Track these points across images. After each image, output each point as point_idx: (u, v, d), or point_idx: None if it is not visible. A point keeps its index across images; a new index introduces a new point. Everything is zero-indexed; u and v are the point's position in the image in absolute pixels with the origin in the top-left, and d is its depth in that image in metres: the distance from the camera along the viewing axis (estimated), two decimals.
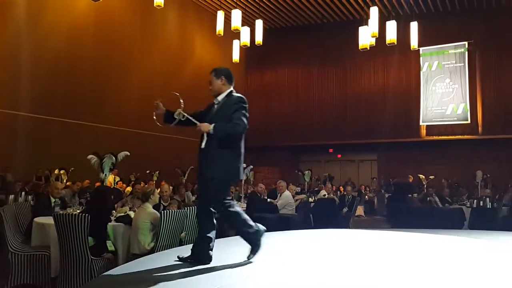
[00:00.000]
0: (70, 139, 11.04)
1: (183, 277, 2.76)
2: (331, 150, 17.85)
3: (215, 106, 3.28)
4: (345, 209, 8.46)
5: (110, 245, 4.00)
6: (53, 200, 5.07)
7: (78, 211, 4.30)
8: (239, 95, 3.26)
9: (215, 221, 3.19)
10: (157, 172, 10.45)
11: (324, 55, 17.52)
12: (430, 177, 9.91)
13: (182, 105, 3.21)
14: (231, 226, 3.33)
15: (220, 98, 3.29)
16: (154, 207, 4.48)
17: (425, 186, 9.40)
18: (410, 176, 12.90)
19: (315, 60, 17.73)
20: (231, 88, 3.32)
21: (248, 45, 11.67)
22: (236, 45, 12.84)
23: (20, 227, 4.69)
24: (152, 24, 14.24)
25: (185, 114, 3.20)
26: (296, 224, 6.53)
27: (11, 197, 6.97)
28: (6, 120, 10.04)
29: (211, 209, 3.13)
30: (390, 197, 12.15)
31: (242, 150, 3.18)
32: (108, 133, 11.96)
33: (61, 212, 4.21)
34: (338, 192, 11.04)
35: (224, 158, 3.06)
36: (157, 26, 14.47)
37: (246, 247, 4.27)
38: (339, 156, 18.06)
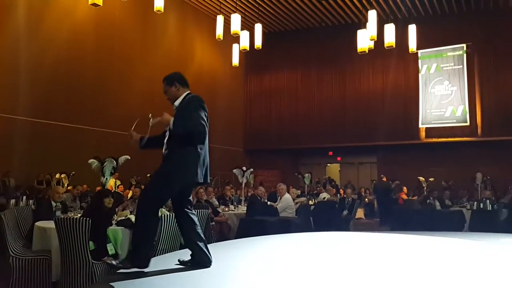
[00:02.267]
0: (71, 143, 11.07)
1: (184, 281, 2.77)
2: (330, 153, 17.88)
3: (175, 112, 3.15)
4: (345, 212, 8.47)
5: (111, 249, 4.00)
6: (54, 204, 5.08)
7: (79, 215, 4.32)
8: (195, 95, 3.18)
9: (194, 218, 3.05)
10: None
11: (323, 59, 17.59)
12: (430, 179, 9.92)
13: (151, 123, 3.09)
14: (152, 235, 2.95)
15: (177, 103, 3.20)
16: None
17: (424, 188, 9.42)
18: (383, 176, 12.94)
19: (314, 64, 17.80)
20: (188, 91, 3.24)
21: (248, 49, 11.73)
22: (235, 49, 12.90)
23: (21, 232, 4.70)
24: (152, 29, 14.30)
25: (151, 120, 3.11)
26: (296, 227, 6.53)
27: (12, 201, 6.98)
28: (7, 125, 10.06)
29: (186, 210, 3.02)
30: (376, 199, 12.24)
31: (204, 152, 3.02)
32: (108, 137, 11.98)
33: (62, 216, 4.22)
34: (338, 195, 11.05)
35: (181, 158, 2.90)
36: (157, 30, 14.53)
37: (247, 250, 4.29)
38: (338, 159, 18.09)
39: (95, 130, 11.89)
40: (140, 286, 2.62)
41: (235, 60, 13.08)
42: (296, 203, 7.91)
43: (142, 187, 8.70)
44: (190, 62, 15.88)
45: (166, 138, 3.08)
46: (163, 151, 3.06)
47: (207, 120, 3.06)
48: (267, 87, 18.73)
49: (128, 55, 13.36)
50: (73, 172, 9.18)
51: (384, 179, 12.59)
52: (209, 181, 3.18)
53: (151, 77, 14.03)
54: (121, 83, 13.02)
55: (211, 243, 5.21)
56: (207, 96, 19.21)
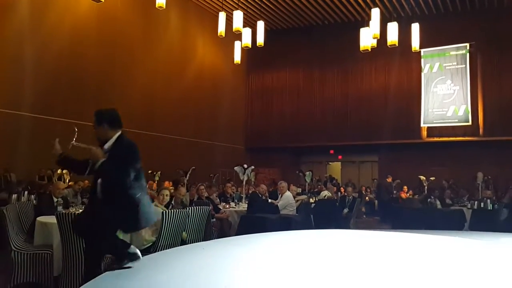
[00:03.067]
0: (72, 139, 11.09)
1: (183, 276, 2.79)
2: (332, 151, 17.88)
3: (106, 154, 2.93)
4: (345, 210, 8.48)
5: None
6: (55, 199, 5.11)
7: (80, 210, 4.33)
8: (129, 141, 2.99)
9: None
10: (159, 173, 10.48)
11: (325, 57, 17.56)
12: (431, 178, 9.93)
13: (74, 143, 3.06)
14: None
15: (107, 145, 2.98)
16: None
17: (425, 187, 9.42)
18: (389, 176, 12.93)
19: (317, 61, 17.77)
20: (119, 132, 2.99)
21: (250, 46, 11.69)
22: (237, 46, 12.87)
23: (23, 226, 4.72)
24: (154, 25, 14.30)
25: (74, 142, 3.04)
26: (297, 225, 6.54)
27: (14, 196, 7.01)
28: (9, 120, 10.08)
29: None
30: (376, 198, 12.26)
31: (129, 204, 2.82)
32: None
33: (63, 211, 4.24)
34: (339, 193, 11.06)
35: (109, 207, 2.80)
36: (159, 27, 14.53)
37: (247, 247, 4.31)
38: (340, 157, 18.09)
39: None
40: (141, 282, 2.63)
41: (237, 58, 13.06)
42: (297, 201, 7.93)
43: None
44: (192, 59, 15.88)
45: (88, 171, 2.99)
46: (97, 191, 2.94)
47: (140, 169, 2.93)
48: (268, 85, 18.72)
49: (130, 51, 13.36)
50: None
51: (389, 179, 12.58)
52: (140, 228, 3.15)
53: (153, 73, 14.05)
54: (123, 78, 13.03)
55: (211, 239, 5.24)
56: (209, 93, 19.25)
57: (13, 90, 10.32)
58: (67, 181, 8.36)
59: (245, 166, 8.94)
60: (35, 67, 10.73)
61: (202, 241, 4.80)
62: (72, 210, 4.71)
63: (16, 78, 10.39)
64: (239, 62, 13.46)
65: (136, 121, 12.73)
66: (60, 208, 4.87)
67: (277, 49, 17.45)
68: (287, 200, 7.23)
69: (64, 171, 8.41)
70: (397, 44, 10.66)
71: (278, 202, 7.32)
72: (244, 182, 8.87)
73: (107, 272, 2.81)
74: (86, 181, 9.19)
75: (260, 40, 11.72)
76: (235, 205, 7.83)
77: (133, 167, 2.87)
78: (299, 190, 10.53)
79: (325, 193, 9.13)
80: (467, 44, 15.48)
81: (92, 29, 12.23)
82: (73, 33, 11.71)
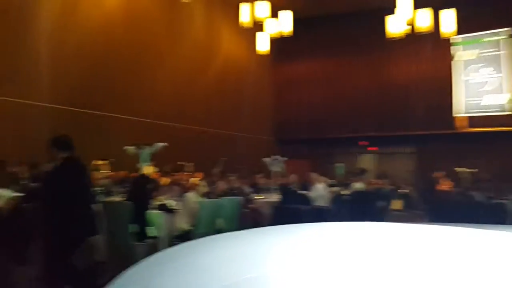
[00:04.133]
0: (108, 132, 11.42)
1: (224, 261, 2.82)
2: (363, 143, 17.57)
3: None
4: (380, 203, 8.34)
5: (151, 232, 4.14)
6: (96, 189, 5.28)
7: (121, 199, 4.47)
8: None
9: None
10: (191, 164, 10.67)
11: (355, 45, 17.19)
12: (470, 170, 9.59)
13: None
14: None
15: None
16: None
17: (465, 180, 9.12)
18: (430, 168, 12.51)
19: (346, 50, 17.44)
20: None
21: (276, 36, 11.57)
22: (264, 37, 12.75)
23: None
24: (179, 19, 14.45)
25: None
26: (329, 216, 6.52)
27: None
28: (46, 114, 10.47)
29: None
30: (414, 190, 11.93)
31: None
32: (144, 126, 12.28)
33: (106, 199, 4.39)
34: (373, 185, 10.86)
35: None
36: (183, 20, 14.67)
37: (282, 237, 4.31)
38: (373, 148, 17.76)
39: (126, 119, 12.22)
40: (183, 267, 2.68)
41: (264, 48, 12.95)
42: (329, 192, 7.87)
43: (176, 174, 8.93)
44: (216, 51, 15.94)
45: None
46: None
47: None
48: (296, 75, 18.55)
49: (155, 46, 13.56)
50: (113, 160, 9.52)
51: (436, 173, 12.21)
52: None
53: (178, 67, 14.23)
54: (149, 74, 13.28)
55: (245, 229, 5.29)
56: (235, 85, 19.21)
57: (50, 84, 10.70)
58: (106, 172, 8.65)
59: (275, 157, 8.95)
60: (68, 62, 11.09)
61: (237, 230, 4.85)
62: (113, 199, 4.87)
63: (52, 74, 10.77)
64: (266, 53, 13.38)
65: (165, 114, 13.00)
66: (101, 197, 5.04)
67: (304, 38, 17.20)
68: (319, 191, 7.21)
69: (103, 162, 8.70)
70: (428, 31, 10.28)
71: (310, 194, 7.30)
72: (274, 174, 8.88)
73: (151, 256, 2.89)
74: (125, 172, 9.48)
75: (287, 30, 11.55)
76: (266, 196, 7.86)
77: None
78: (331, 181, 10.44)
79: (358, 185, 9.01)
80: (505, 29, 14.72)
81: (118, 25, 12.50)
82: (101, 30, 12.03)
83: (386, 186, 8.92)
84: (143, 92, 12.77)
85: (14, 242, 3.82)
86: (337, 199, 7.50)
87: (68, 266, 3.13)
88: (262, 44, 12.66)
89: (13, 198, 3.84)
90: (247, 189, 7.85)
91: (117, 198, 4.92)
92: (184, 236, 4.31)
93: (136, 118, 12.47)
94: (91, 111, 11.28)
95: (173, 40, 14.06)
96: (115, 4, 12.44)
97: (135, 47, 12.81)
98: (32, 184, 4.50)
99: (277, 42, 15.28)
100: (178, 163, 11.19)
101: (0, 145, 9.06)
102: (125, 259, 3.49)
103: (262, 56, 14.38)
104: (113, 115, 12.10)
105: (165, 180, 8.58)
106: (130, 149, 5.45)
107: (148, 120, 12.62)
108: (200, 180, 5.53)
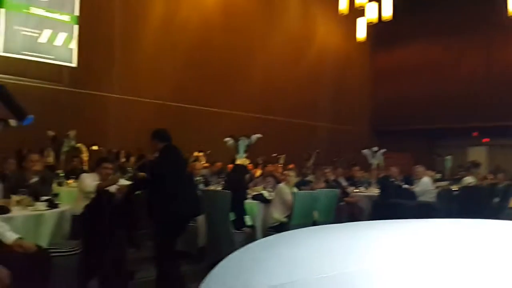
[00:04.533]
0: (205, 125, 12.03)
1: (322, 253, 2.73)
2: (475, 134, 15.85)
3: None
4: (496, 199, 7.41)
5: (248, 220, 4.22)
6: (196, 178, 5.57)
7: (219, 188, 4.64)
8: None
9: None
10: (283, 156, 10.71)
11: (464, 26, 15.47)
12: None
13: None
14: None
15: None
16: None
17: None
18: None
19: (454, 33, 15.80)
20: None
21: (375, 21, 10.95)
22: (361, 22, 12.18)
23: None
24: (274, 8, 14.51)
25: None
26: (436, 213, 5.98)
27: None
28: (150, 109, 11.32)
29: None
30: None
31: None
32: (237, 119, 12.66)
33: (205, 188, 4.59)
34: (487, 180, 9.73)
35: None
36: (278, 9, 14.70)
37: (384, 233, 4.06)
38: (485, 140, 15.93)
39: (223, 113, 12.70)
40: (280, 257, 2.66)
41: (361, 35, 12.38)
42: (437, 187, 7.24)
43: (270, 166, 9.03)
44: (312, 40, 15.67)
45: None
46: None
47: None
48: (397, 62, 17.40)
49: (251, 38, 13.80)
50: (209, 151, 10.00)
51: None
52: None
53: (274, 60, 14.31)
54: (247, 67, 13.59)
55: (338, 223, 5.12)
56: (330, 74, 18.77)
57: (156, 81, 11.61)
58: (203, 163, 9.10)
59: (374, 149, 8.51)
60: (170, 58, 11.88)
61: (333, 223, 4.71)
62: (212, 187, 5.07)
63: (156, 69, 11.65)
64: (363, 40, 12.78)
65: (259, 107, 13.25)
66: (201, 186, 5.29)
67: (406, 22, 15.99)
68: (425, 186, 6.68)
69: (200, 154, 9.17)
70: None
71: (414, 188, 6.80)
72: (373, 166, 8.45)
73: (248, 245, 2.92)
74: (220, 163, 9.90)
75: (387, 14, 10.86)
76: (365, 190, 7.53)
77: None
78: (438, 176, 9.61)
79: (469, 180, 8.12)
80: None
81: (217, 21, 12.99)
82: (201, 27, 12.61)
83: (502, 182, 7.90)
84: (236, 87, 13.17)
85: (127, 225, 4.20)
86: (445, 194, 6.85)
87: (174, 248, 3.34)
88: (361, 31, 12.10)
89: (127, 186, 4.22)
90: (343, 181, 7.59)
91: (216, 187, 5.11)
92: (279, 227, 4.29)
93: (230, 111, 12.93)
94: (190, 106, 12.00)
95: (266, 37, 14.21)
96: (213, 5, 12.98)
97: (230, 48, 13.25)
98: (140, 173, 4.90)
99: (376, 28, 14.49)
100: (273, 155, 11.33)
101: (111, 138, 10.15)
102: (224, 246, 3.60)
103: (359, 43, 13.79)
104: (208, 109, 12.73)
105: (259, 171, 8.74)
106: (229, 140, 5.64)
107: (242, 113, 12.99)
108: (293, 171, 5.48)
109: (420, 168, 6.94)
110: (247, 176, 4.95)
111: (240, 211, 4.06)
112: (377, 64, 17.98)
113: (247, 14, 13.73)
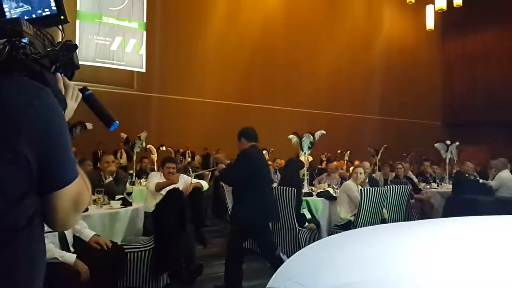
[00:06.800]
0: (269, 123, 12.10)
1: (392, 252, 2.61)
2: None
3: None
4: None
5: (307, 213, 4.20)
6: None
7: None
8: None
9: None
10: (348, 152, 10.44)
11: None
12: None
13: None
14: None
15: None
16: None
17: None
18: None
19: None
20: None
21: (445, 8, 10.34)
22: (430, 10, 11.56)
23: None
24: (338, 3, 14.19)
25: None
26: None
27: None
28: (214, 109, 11.60)
29: None
30: None
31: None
32: (301, 116, 12.58)
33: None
34: None
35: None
36: (342, 3, 14.35)
37: (460, 231, 3.79)
38: None
39: (286, 110, 12.67)
40: (351, 253, 2.57)
41: (430, 23, 11.75)
42: None
43: (334, 163, 8.84)
44: (378, 32, 15.11)
45: None
46: None
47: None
48: (470, 50, 16.21)
49: (315, 34, 13.65)
50: (272, 149, 10.05)
51: None
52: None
53: (338, 56, 13.98)
54: (310, 65, 13.44)
55: (411, 220, 4.86)
56: (398, 65, 18.07)
57: (217, 82, 11.89)
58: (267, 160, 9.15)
59: (448, 142, 7.97)
60: (234, 61, 12.09)
61: (403, 221, 4.50)
62: (273, 185, 5.09)
63: (218, 71, 11.93)
64: (433, 28, 12.12)
65: (323, 103, 13.01)
66: None
67: (479, 7, 14.83)
68: (504, 180, 6.14)
69: (263, 152, 9.25)
70: None
71: (491, 183, 6.29)
72: (447, 161, 7.95)
73: (316, 242, 2.89)
74: (282, 161, 9.90)
75: (458, 0, 10.21)
76: (437, 186, 7.12)
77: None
78: None
79: None
80: None
81: (280, 19, 12.98)
82: (264, 25, 12.67)
83: None
84: (301, 85, 13.09)
85: (195, 222, 4.34)
86: None
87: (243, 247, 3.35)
88: (430, 19, 11.53)
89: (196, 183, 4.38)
90: (414, 177, 7.23)
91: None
92: (345, 225, 4.19)
93: (294, 109, 12.87)
94: (253, 105, 12.13)
95: (330, 33, 13.96)
96: (274, 6, 13.02)
97: (294, 46, 13.19)
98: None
99: (445, 16, 13.60)
100: (338, 151, 11.12)
101: (178, 138, 10.55)
102: (291, 243, 3.59)
103: (428, 32, 13.10)
104: (272, 107, 12.78)
105: (325, 168, 8.60)
106: (293, 138, 5.61)
107: (307, 110, 12.87)
108: (360, 168, 5.31)
109: (501, 161, 6.40)
110: (302, 170, 4.86)
111: (297, 207, 4.02)
112: (448, 53, 16.91)
113: (309, 11, 13.59)
